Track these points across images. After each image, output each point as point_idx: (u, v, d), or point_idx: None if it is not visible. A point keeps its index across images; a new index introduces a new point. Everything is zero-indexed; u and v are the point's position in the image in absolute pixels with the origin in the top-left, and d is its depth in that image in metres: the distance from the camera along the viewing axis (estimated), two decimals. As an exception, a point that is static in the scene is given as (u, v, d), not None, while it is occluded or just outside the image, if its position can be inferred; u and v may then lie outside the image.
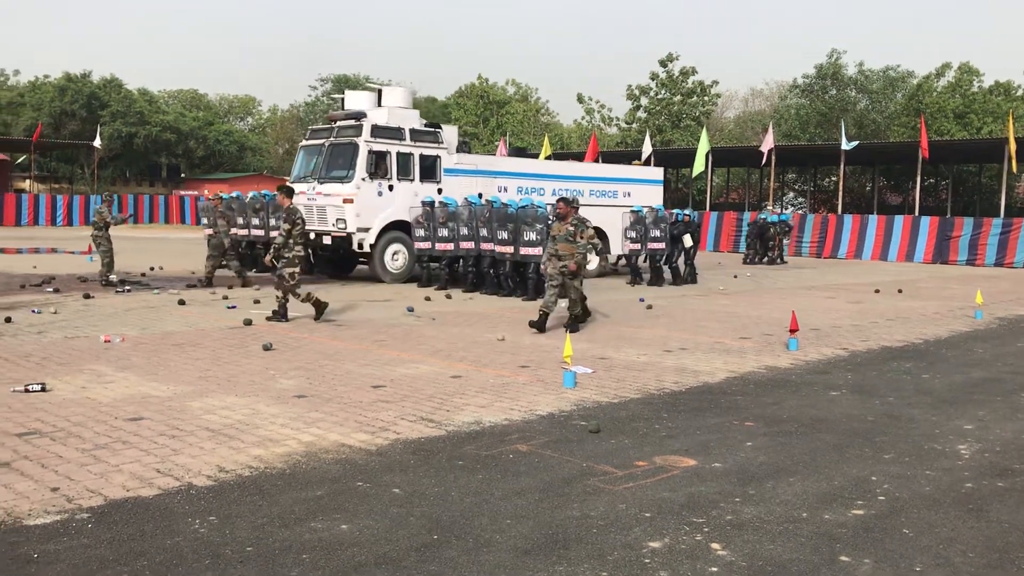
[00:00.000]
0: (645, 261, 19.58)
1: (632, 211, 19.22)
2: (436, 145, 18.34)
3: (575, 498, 4.94)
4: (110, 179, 60.45)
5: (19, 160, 57.14)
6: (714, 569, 4.01)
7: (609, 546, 4.25)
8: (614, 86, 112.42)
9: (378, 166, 17.44)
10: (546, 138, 40.47)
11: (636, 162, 32.16)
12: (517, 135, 57.90)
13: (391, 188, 17.61)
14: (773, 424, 6.82)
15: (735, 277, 21.50)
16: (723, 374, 8.84)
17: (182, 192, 53.59)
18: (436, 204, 16.92)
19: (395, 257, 17.85)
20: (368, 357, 9.33)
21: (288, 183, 18.41)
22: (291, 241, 11.67)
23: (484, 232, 16.10)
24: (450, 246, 16.65)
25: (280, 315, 11.73)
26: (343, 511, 4.67)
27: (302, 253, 11.94)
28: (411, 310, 13.39)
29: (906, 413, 7.31)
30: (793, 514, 4.76)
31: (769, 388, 8.24)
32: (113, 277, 16.18)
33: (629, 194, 21.54)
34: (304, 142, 19.10)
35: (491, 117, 63.08)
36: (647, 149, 35.41)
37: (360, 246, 17.37)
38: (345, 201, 17.19)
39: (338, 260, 18.66)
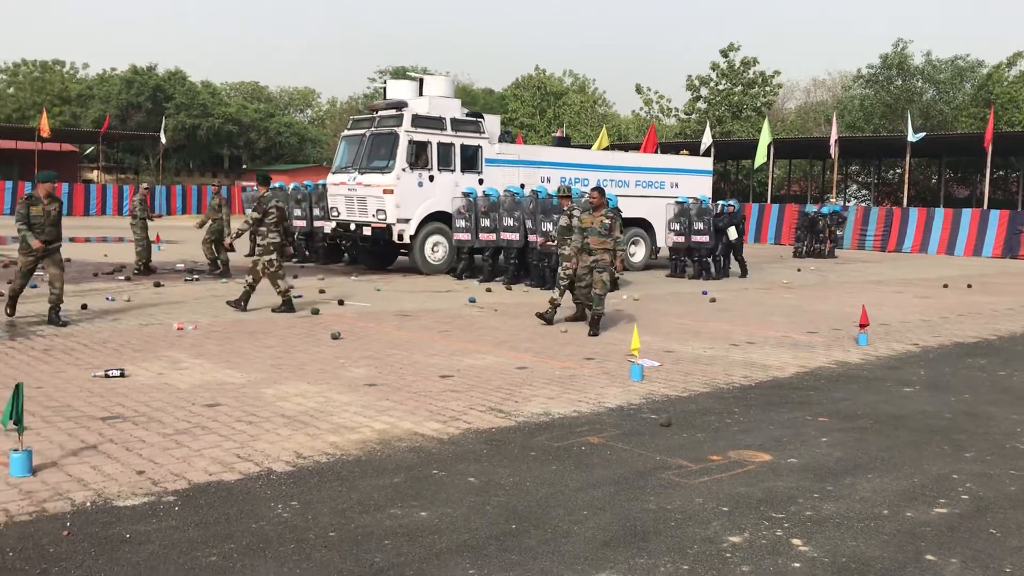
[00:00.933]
0: (689, 254, 19.20)
1: (677, 202, 18.91)
2: (478, 135, 18.09)
3: (651, 491, 4.92)
4: (174, 170, 61.67)
5: (88, 151, 58.60)
6: (797, 564, 3.97)
7: (688, 539, 4.23)
8: (673, 76, 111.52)
9: (418, 156, 17.27)
10: (603, 129, 40.22)
11: (684, 152, 31.78)
12: (574, 126, 57.69)
13: (431, 179, 17.41)
14: (847, 420, 6.72)
15: (798, 271, 21.19)
16: (792, 369, 8.73)
17: (244, 183, 54.47)
18: (478, 194, 16.81)
19: (435, 248, 17.68)
20: (434, 347, 9.40)
21: (331, 171, 18.68)
22: (264, 229, 11.70)
23: (529, 224, 15.97)
24: (492, 237, 16.48)
25: (240, 303, 11.67)
26: (421, 498, 4.72)
27: (276, 240, 11.74)
28: (473, 301, 13.46)
29: (984, 411, 7.15)
30: (874, 511, 4.69)
31: (841, 383, 8.12)
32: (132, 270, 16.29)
33: (677, 185, 21.02)
34: (345, 132, 19.05)
35: (548, 108, 62.90)
36: (707, 140, 35.01)
37: (400, 237, 17.19)
38: (385, 192, 17.05)
39: (378, 251, 18.52)
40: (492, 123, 18.93)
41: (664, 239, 19.92)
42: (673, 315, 12.61)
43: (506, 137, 19.55)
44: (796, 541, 4.25)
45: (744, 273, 19.08)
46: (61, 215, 10.29)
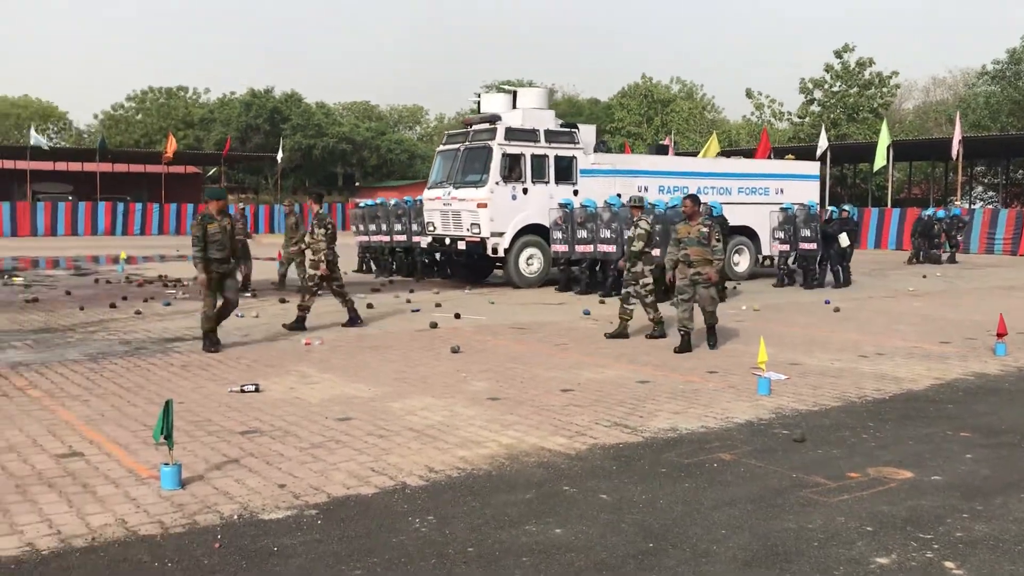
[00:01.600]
0: (795, 262, 18.54)
1: (781, 209, 18.33)
2: (572, 145, 17.89)
3: (789, 509, 4.80)
4: (291, 189, 63.67)
5: (210, 172, 61.14)
6: (952, 590, 3.81)
7: (833, 560, 4.11)
8: (785, 80, 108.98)
9: (512, 169, 17.19)
10: (713, 135, 39.62)
11: (790, 156, 30.91)
12: (682, 133, 57.04)
13: (525, 191, 17.30)
14: (992, 435, 6.41)
15: (924, 277, 20.37)
16: (927, 381, 8.39)
17: (357, 200, 55.86)
18: (575, 206, 16.65)
19: (530, 261, 17.51)
20: (553, 360, 9.42)
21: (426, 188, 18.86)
22: (321, 244, 11.67)
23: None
24: (589, 248, 16.24)
25: (352, 319, 11.84)
26: (555, 515, 4.72)
27: (330, 257, 11.68)
28: (587, 313, 13.43)
29: None
30: (1031, 534, 4.46)
31: (980, 396, 7.76)
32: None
33: (782, 191, 20.34)
34: (440, 147, 19.14)
35: (655, 116, 62.40)
36: (822, 144, 34.10)
37: (494, 250, 17.12)
38: (479, 206, 17.01)
39: (473, 265, 18.49)
40: (587, 133, 18.72)
41: (768, 247, 19.40)
42: (797, 325, 12.29)
43: (601, 147, 19.18)
44: (949, 564, 4.07)
45: (845, 283, 18.03)
46: (234, 231, 10.28)
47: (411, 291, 16.63)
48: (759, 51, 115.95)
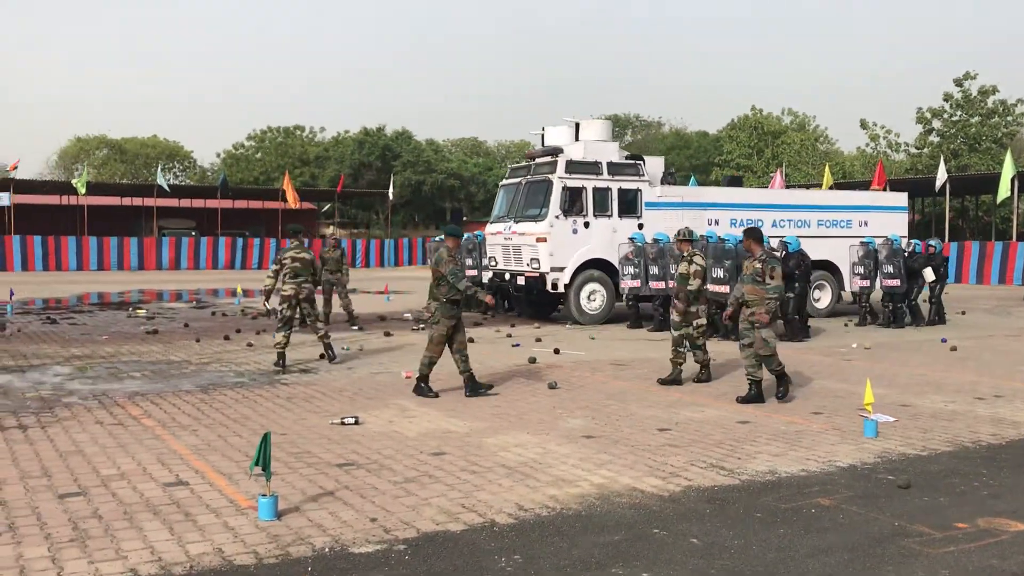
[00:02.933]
0: (882, 299, 17.34)
1: (862, 243, 17.42)
2: (636, 178, 17.41)
3: (889, 560, 4.60)
4: (401, 224, 65.17)
5: (324, 208, 63.15)
6: (1064, 654, 3.57)
7: (934, 617, 3.91)
8: (901, 110, 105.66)
9: (573, 202, 16.81)
10: (826, 167, 38.68)
11: (876, 187, 29.78)
12: (794, 165, 55.88)
13: (587, 225, 16.91)
14: (1119, 487, 6.00)
15: (1052, 315, 19.31)
16: (1050, 426, 7.92)
17: (466, 234, 56.64)
18: (646, 240, 16.22)
19: (592, 297, 17.03)
20: (651, 398, 9.30)
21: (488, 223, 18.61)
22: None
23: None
24: (662, 285, 15.59)
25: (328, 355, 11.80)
26: (642, 558, 4.65)
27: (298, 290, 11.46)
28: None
29: None
30: None
31: (1109, 444, 7.27)
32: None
33: (866, 223, 19.16)
34: (503, 181, 18.95)
35: (765, 148, 61.36)
36: (941, 175, 32.91)
37: (554, 286, 16.71)
38: (538, 240, 16.65)
39: (534, 300, 18.00)
40: (654, 165, 18.20)
41: (849, 283, 18.40)
42: (909, 365, 11.82)
43: (670, 179, 18.47)
44: (1063, 626, 3.82)
45: (932, 320, 17.10)
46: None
47: (512, 325, 16.72)
48: (875, 81, 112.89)
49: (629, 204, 17.36)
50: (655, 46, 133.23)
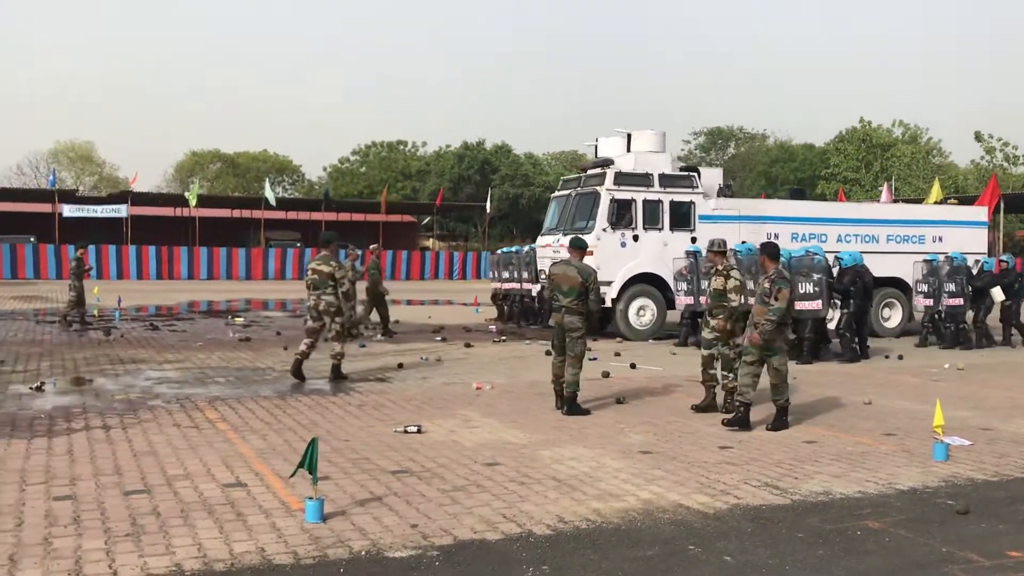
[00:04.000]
0: (943, 319, 16.32)
1: (925, 260, 16.56)
2: (690, 190, 17.06)
3: (927, 587, 4.46)
4: (499, 236, 65.76)
5: (424, 221, 64.28)
6: None
7: (961, 647, 3.78)
8: (1019, 120, 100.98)
9: (621, 215, 16.55)
10: (936, 181, 37.35)
11: (952, 200, 28.37)
12: (904, 179, 54.12)
13: (636, 238, 16.62)
14: None
15: None
16: None
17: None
18: (703, 254, 15.84)
19: (641, 312, 16.76)
20: (718, 416, 9.17)
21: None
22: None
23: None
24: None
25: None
26: (671, 574, 4.63)
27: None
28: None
29: None
30: None
31: None
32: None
33: (940, 238, 18.36)
34: (555, 193, 18.72)
35: (874, 161, 59.58)
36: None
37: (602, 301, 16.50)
38: (585, 253, 16.46)
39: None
40: (710, 177, 17.82)
41: (915, 302, 17.43)
42: (1001, 388, 11.33)
43: (726, 191, 18.00)
44: (1100, 663, 3.64)
45: (1004, 342, 16.26)
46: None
47: (594, 339, 16.66)
48: (992, 93, 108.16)
49: (682, 217, 17.00)
50: (760, 56, 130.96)
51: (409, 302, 28.18)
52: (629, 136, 17.99)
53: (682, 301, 16.15)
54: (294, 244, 49.34)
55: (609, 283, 16.30)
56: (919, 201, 38.39)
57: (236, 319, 20.01)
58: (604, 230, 16.47)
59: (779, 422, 8.54)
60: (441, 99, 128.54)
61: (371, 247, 18.86)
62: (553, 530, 5.35)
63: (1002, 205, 34.33)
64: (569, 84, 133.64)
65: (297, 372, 11.12)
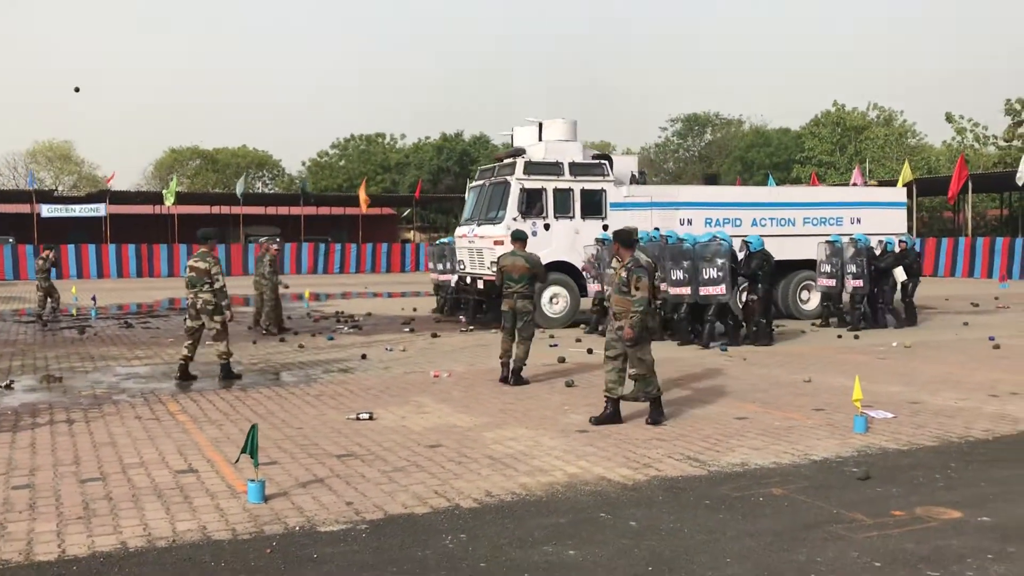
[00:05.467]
0: (851, 300, 16.56)
1: (828, 241, 16.79)
2: (601, 178, 17.10)
3: (808, 543, 4.88)
4: (480, 227, 66.03)
5: (404, 213, 64.47)
6: (927, 627, 3.83)
7: (822, 593, 4.20)
8: (993, 101, 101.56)
9: (531, 205, 16.59)
10: (906, 163, 37.85)
11: (872, 182, 28.87)
12: (878, 161, 54.69)
13: (547, 227, 16.68)
14: (1083, 480, 6.10)
15: (1123, 311, 18.70)
16: (1048, 423, 7.95)
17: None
18: (607, 242, 15.61)
19: (554, 300, 16.81)
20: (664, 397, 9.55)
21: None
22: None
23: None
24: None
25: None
26: (577, 538, 5.04)
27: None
28: (724, 349, 13.42)
29: None
30: (1053, 579, 4.34)
31: (1101, 440, 7.30)
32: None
33: (859, 220, 18.50)
34: (471, 183, 18.79)
35: (848, 144, 60.16)
36: (1023, 170, 31.89)
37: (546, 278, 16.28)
38: (495, 243, 16.23)
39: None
40: (623, 164, 17.93)
41: (818, 282, 17.52)
42: (942, 363, 11.80)
43: (640, 179, 18.08)
44: (942, 603, 4.07)
45: (909, 322, 16.57)
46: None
47: (470, 330, 16.78)
48: (961, 73, 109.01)
49: (594, 205, 17.03)
50: (736, 41, 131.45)
51: (391, 295, 28.53)
52: (541, 125, 18.03)
53: (591, 288, 16.34)
54: (273, 240, 49.48)
55: None
56: (892, 183, 38.89)
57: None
58: (514, 219, 16.46)
59: (656, 414, 8.20)
60: (419, 91, 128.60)
61: (260, 239, 19.02)
62: (479, 503, 5.75)
63: (969, 185, 34.86)
64: (549, 74, 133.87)
65: (184, 374, 10.98)
